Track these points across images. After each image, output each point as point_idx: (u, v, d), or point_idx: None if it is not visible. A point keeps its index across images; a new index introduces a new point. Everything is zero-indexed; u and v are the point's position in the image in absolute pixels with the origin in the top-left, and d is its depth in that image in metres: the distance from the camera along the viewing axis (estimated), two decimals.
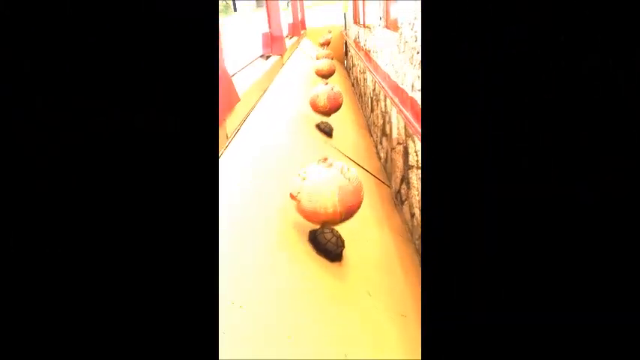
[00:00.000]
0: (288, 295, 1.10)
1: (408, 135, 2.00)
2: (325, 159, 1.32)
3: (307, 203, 1.26)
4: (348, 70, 6.78)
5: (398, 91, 2.06)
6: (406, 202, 2.10)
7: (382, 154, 2.97)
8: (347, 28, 6.45)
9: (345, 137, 3.08)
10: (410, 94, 1.80)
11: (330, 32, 6.80)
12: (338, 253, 1.39)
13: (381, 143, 3.05)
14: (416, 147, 1.83)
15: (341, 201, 1.24)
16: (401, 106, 1.92)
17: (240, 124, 2.04)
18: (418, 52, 1.66)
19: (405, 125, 2.04)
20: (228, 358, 0.76)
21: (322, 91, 2.56)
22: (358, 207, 1.32)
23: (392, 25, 2.48)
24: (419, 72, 1.64)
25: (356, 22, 5.00)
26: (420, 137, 1.60)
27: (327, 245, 1.38)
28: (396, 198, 2.36)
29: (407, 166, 2.03)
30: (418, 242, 1.88)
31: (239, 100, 2.01)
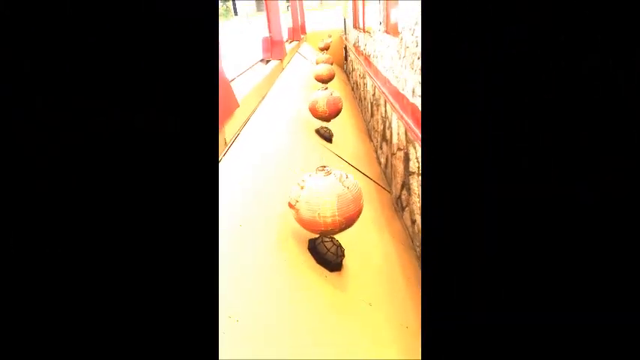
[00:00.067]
0: (287, 305, 1.08)
1: (408, 141, 1.99)
2: (323, 167, 1.28)
3: (306, 212, 1.22)
4: (347, 74, 6.80)
5: (398, 96, 2.06)
6: (407, 209, 2.09)
7: (382, 160, 2.97)
8: (347, 32, 6.48)
9: (345, 142, 3.08)
10: (411, 100, 1.79)
11: (330, 36, 6.81)
12: (338, 263, 1.36)
13: (381, 148, 3.05)
14: (417, 154, 1.82)
15: (340, 210, 1.21)
16: (402, 112, 1.92)
17: (240, 130, 2.03)
18: (419, 58, 1.65)
19: (405, 131, 2.04)
20: (228, 358, 0.76)
21: (321, 96, 2.55)
22: (358, 215, 1.28)
23: (392, 30, 2.49)
24: (419, 78, 1.64)
25: (356, 26, 5.02)
26: (420, 144, 1.59)
27: (326, 255, 1.34)
28: (397, 204, 2.35)
29: (408, 172, 2.02)
30: (419, 249, 1.86)
31: (238, 106, 2.00)
